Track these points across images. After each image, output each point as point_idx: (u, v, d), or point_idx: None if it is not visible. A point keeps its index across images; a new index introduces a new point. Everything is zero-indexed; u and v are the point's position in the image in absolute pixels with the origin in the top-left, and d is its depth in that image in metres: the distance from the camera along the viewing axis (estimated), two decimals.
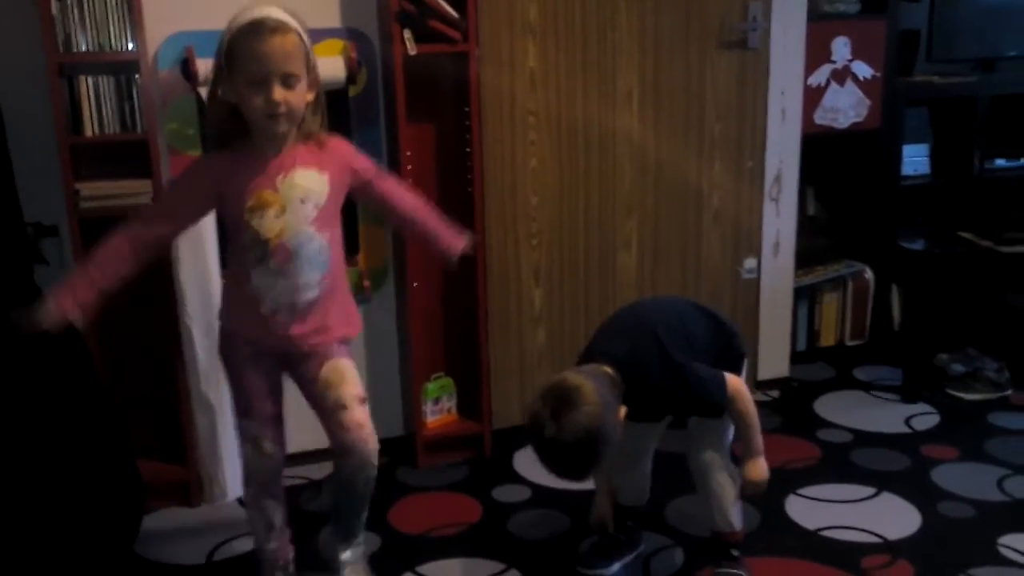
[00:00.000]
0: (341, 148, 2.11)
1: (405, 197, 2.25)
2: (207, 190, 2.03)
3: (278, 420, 2.20)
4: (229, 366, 2.19)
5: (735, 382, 2.13)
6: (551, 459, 2.00)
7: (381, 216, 2.89)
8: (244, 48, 1.91)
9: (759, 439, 2.16)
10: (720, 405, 2.12)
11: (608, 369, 2.06)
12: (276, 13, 1.93)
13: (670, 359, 2.07)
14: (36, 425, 2.26)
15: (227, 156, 2.02)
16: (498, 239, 3.00)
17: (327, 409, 2.14)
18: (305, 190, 2.01)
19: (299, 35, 1.95)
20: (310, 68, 1.98)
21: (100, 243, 2.01)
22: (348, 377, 2.15)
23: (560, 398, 1.94)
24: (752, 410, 2.15)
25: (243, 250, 2.04)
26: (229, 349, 2.17)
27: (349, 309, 2.20)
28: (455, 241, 2.28)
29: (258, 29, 1.90)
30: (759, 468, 2.18)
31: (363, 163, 2.15)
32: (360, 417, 2.13)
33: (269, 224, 1.99)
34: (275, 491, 2.25)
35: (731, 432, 2.26)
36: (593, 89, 3.03)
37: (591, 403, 1.93)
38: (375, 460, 2.16)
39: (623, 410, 2.02)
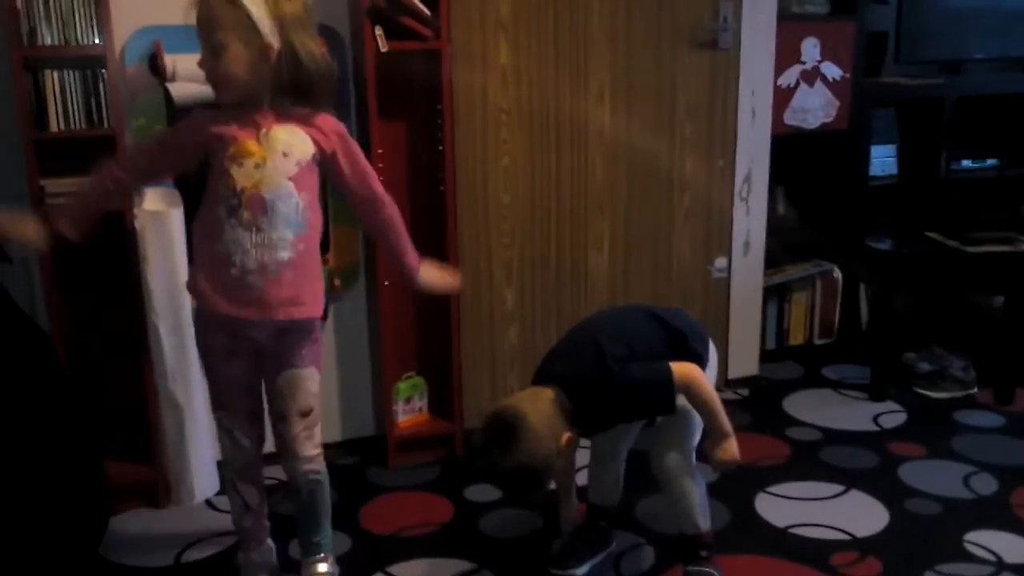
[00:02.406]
0: (332, 122, 2.08)
1: (387, 202, 2.19)
2: (191, 143, 2.05)
3: (253, 416, 2.21)
4: (206, 357, 2.18)
5: (684, 369, 2.10)
6: (493, 481, 2.13)
7: (352, 214, 2.88)
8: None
9: (724, 420, 2.13)
10: (670, 399, 2.11)
11: (552, 393, 2.09)
12: None
13: (608, 367, 2.07)
14: (1, 426, 2.22)
15: (215, 111, 2.03)
16: (470, 238, 2.99)
17: (272, 416, 2.19)
18: (288, 144, 2.00)
19: (233, 3, 1.90)
20: (252, 38, 1.92)
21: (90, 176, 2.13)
22: (300, 389, 2.15)
23: (501, 431, 2.01)
24: (711, 393, 2.12)
25: (216, 203, 2.01)
26: (205, 340, 2.16)
27: (318, 287, 2.14)
28: (417, 263, 2.27)
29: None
30: (727, 449, 2.15)
31: (354, 145, 2.12)
32: (295, 430, 2.16)
33: (247, 173, 1.97)
34: (252, 476, 2.27)
35: (698, 434, 2.25)
36: (565, 87, 3.03)
37: (530, 440, 2.00)
38: (310, 467, 2.19)
39: (566, 436, 2.06)
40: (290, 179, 2.00)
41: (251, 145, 1.98)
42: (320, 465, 2.22)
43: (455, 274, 2.34)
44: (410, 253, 2.25)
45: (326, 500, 2.26)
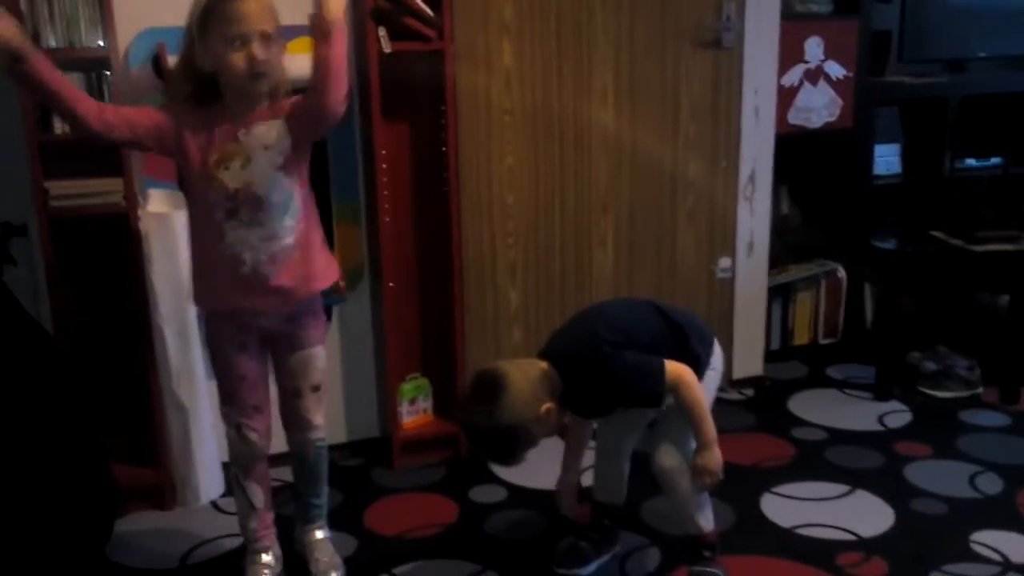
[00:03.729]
0: (290, 99, 2.11)
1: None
2: (169, 131, 2.03)
3: (263, 409, 2.26)
4: (216, 352, 2.22)
5: (677, 369, 2.11)
6: (471, 440, 2.17)
7: (353, 208, 2.90)
8: (221, 11, 1.95)
9: (708, 427, 2.13)
10: (655, 393, 2.12)
11: (544, 366, 2.13)
12: None
13: (600, 350, 2.10)
14: (7, 428, 2.22)
15: (193, 110, 2.05)
16: (474, 238, 2.99)
17: (285, 392, 2.30)
18: (266, 138, 2.05)
19: (270, 1, 2.00)
20: (278, 31, 2.02)
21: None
22: (311, 367, 2.27)
23: (485, 386, 2.07)
24: (698, 398, 2.12)
25: (212, 209, 2.05)
26: (215, 335, 2.20)
27: (327, 256, 2.24)
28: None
29: None
30: (709, 457, 2.13)
31: (297, 100, 2.10)
32: (309, 404, 2.30)
33: (235, 174, 2.02)
34: (257, 474, 2.30)
35: None
36: (568, 88, 3.02)
37: (508, 398, 2.03)
38: (318, 435, 2.34)
39: (546, 406, 2.08)
40: (278, 169, 2.05)
41: (232, 147, 2.03)
42: (325, 433, 2.37)
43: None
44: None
45: (326, 466, 2.41)
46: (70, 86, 1.97)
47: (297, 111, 2.07)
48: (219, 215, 2.05)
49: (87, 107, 1.96)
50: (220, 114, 2.05)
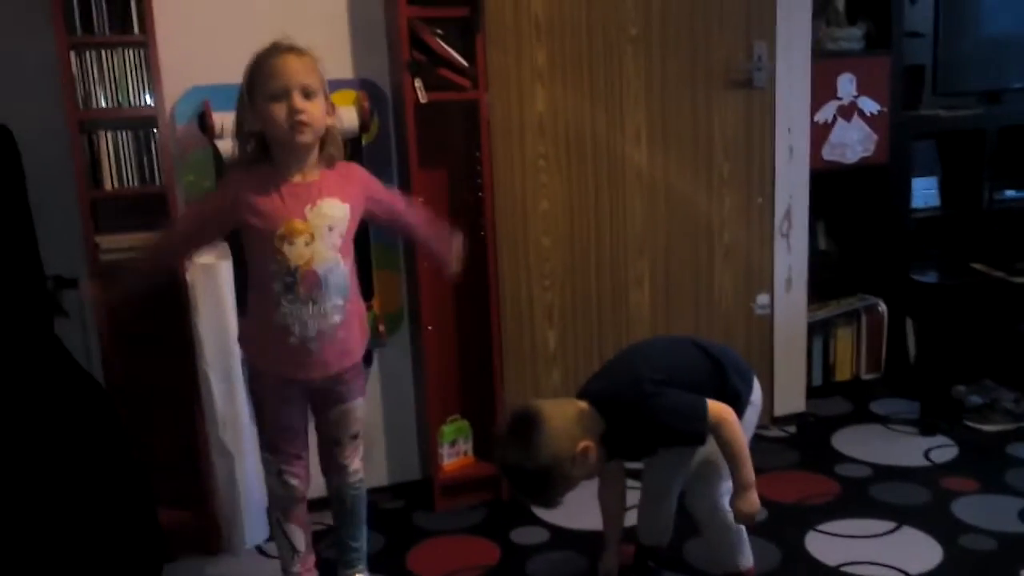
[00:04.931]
0: (357, 174, 2.21)
1: (412, 217, 2.36)
2: (227, 210, 2.10)
3: (300, 458, 2.30)
4: (258, 404, 2.27)
5: (718, 410, 2.10)
6: (507, 479, 2.19)
7: (393, 254, 2.94)
8: (264, 67, 2.04)
9: (747, 471, 2.11)
10: (696, 433, 2.11)
11: (583, 405, 2.13)
12: (290, 39, 2.07)
13: (641, 389, 2.10)
14: (58, 474, 2.28)
15: (254, 178, 2.09)
16: (511, 281, 3.02)
17: (324, 440, 2.35)
18: (332, 219, 2.10)
19: (313, 59, 2.08)
20: (325, 91, 2.09)
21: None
22: (351, 419, 2.32)
23: (520, 424, 2.08)
24: (739, 440, 2.10)
25: (269, 279, 2.10)
26: (260, 387, 2.25)
27: (364, 329, 2.30)
28: (448, 259, 2.38)
29: (275, 49, 2.04)
30: (748, 501, 2.11)
31: (377, 189, 2.26)
32: (347, 452, 2.34)
33: (299, 251, 2.07)
34: (298, 517, 2.34)
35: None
36: (601, 131, 3.07)
37: (543, 436, 2.05)
38: (356, 479, 2.37)
39: (583, 444, 2.07)
40: (337, 251, 2.11)
41: (298, 224, 2.07)
42: (363, 476, 2.40)
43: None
44: (443, 244, 2.37)
45: (365, 509, 2.43)
46: (164, 252, 2.24)
47: (380, 212, 2.24)
48: (277, 286, 2.09)
49: (176, 258, 2.32)
50: (280, 181, 2.08)
